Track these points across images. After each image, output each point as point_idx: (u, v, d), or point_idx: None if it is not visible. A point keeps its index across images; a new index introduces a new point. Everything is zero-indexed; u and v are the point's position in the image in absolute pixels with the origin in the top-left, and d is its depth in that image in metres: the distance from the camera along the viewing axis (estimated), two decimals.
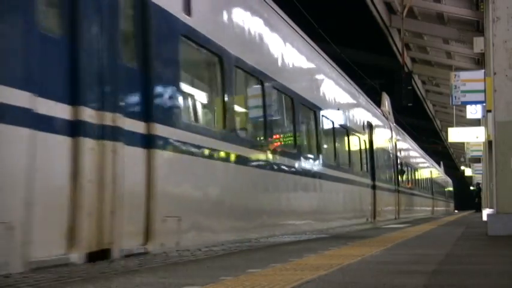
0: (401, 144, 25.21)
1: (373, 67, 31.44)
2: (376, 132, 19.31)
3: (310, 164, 11.92)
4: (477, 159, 32.79)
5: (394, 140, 23.08)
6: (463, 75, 18.22)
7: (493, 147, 10.09)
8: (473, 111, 22.61)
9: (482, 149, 25.72)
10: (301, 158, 11.38)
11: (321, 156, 12.49)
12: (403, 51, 21.22)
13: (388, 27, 22.48)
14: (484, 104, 15.37)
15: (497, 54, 9.81)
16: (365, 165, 17.39)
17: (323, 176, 12.60)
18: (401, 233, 10.89)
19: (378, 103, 23.15)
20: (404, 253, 6.39)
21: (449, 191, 56.20)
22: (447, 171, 58.03)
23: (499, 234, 9.30)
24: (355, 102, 16.98)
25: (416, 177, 30.37)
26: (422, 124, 45.66)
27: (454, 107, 26.68)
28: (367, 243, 7.74)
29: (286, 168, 10.42)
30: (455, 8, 20.47)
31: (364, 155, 17.26)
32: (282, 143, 10.64)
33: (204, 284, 3.83)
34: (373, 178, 18.06)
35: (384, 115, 22.46)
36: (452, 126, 29.70)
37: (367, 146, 17.80)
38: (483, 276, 4.42)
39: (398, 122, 28.90)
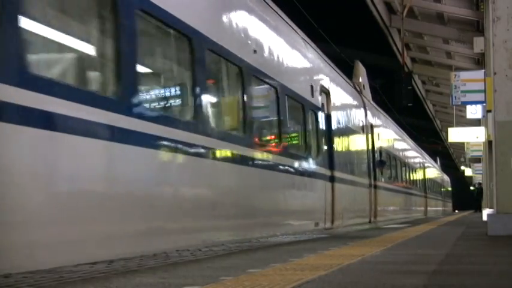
0: (381, 129, 19.97)
1: (373, 67, 31.43)
2: (337, 105, 14.05)
3: (192, 134, 6.88)
4: (477, 159, 32.85)
5: (369, 121, 18.01)
6: (463, 75, 18.25)
7: (493, 147, 10.10)
8: (473, 111, 22.65)
9: (482, 149, 25.77)
10: (170, 121, 6.57)
11: (216, 124, 7.81)
12: (403, 51, 21.22)
13: (388, 27, 22.52)
14: (484, 104, 15.40)
15: (497, 54, 9.81)
16: (315, 148, 12.10)
17: (221, 157, 7.73)
18: (401, 233, 10.90)
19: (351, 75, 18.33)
20: (404, 253, 6.39)
21: (446, 189, 52.76)
22: (446, 170, 56.92)
23: (499, 234, 9.30)
24: (296, 52, 11.60)
25: (404, 172, 25.15)
26: (422, 124, 45.72)
27: (454, 107, 26.73)
28: (367, 243, 7.75)
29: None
30: (455, 8, 20.52)
31: (312, 132, 12.04)
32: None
33: (204, 284, 3.83)
34: (332, 167, 13.00)
35: (355, 88, 17.33)
36: (452, 126, 29.77)
37: (320, 121, 12.50)
38: (483, 276, 4.42)
39: (398, 121, 28.79)
